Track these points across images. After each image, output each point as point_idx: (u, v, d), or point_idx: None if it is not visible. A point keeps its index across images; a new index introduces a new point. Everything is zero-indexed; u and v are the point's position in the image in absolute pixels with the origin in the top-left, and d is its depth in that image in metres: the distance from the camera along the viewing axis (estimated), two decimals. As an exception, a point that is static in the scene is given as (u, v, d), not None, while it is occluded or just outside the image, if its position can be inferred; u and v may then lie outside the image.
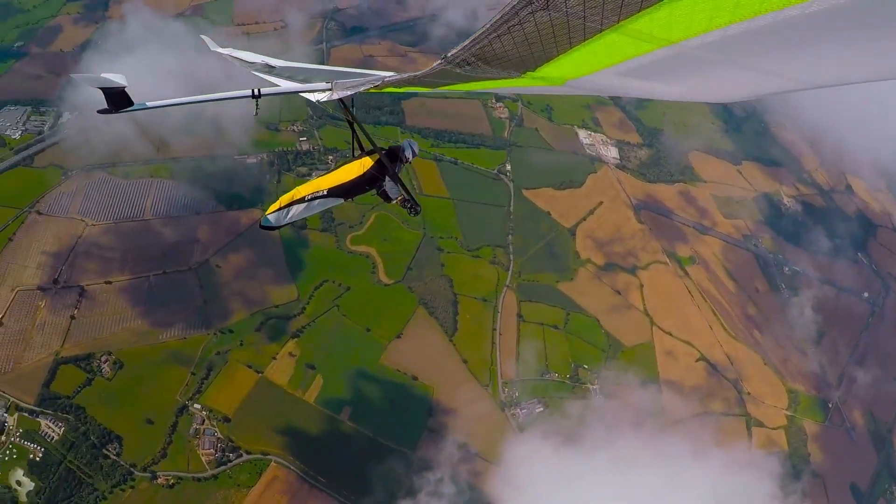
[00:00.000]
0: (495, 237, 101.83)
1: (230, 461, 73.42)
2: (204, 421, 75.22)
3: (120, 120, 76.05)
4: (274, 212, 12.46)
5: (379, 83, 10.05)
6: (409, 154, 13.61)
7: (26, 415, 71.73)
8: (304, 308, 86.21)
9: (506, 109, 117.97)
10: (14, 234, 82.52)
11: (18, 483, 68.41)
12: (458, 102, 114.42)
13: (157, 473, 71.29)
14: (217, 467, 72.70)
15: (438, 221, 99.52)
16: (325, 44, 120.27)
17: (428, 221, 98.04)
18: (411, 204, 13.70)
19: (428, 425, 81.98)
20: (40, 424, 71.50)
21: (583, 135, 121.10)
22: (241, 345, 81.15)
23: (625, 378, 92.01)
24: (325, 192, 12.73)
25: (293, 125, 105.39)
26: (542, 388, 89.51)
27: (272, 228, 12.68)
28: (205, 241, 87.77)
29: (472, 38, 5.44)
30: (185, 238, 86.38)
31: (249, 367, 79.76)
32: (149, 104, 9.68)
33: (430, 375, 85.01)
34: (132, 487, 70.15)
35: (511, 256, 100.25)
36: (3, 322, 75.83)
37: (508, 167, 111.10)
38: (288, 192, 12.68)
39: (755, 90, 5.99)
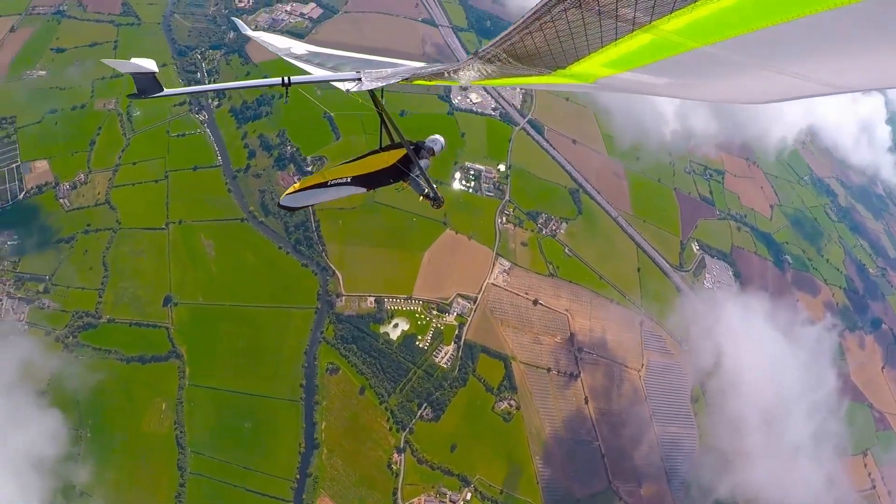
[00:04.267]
0: None
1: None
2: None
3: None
4: (294, 192, 12.28)
5: (409, 75, 9.62)
6: (436, 149, 13.88)
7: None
8: None
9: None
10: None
11: (395, 325, 78.54)
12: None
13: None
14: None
15: None
16: None
17: None
18: (434, 198, 13.45)
19: None
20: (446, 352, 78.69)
21: None
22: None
23: None
24: (349, 180, 12.55)
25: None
26: None
27: (291, 209, 12.74)
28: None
29: (503, 34, 5.32)
30: (642, 469, 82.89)
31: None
32: (171, 91, 9.33)
33: None
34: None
35: None
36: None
37: None
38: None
39: (789, 93, 4.70)
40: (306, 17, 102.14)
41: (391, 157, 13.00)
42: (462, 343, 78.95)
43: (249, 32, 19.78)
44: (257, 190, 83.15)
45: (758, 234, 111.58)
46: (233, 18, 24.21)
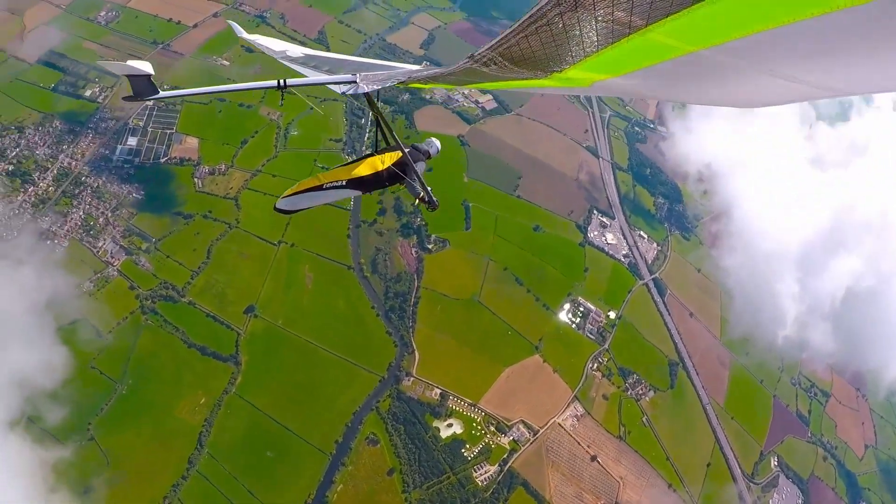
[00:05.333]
0: None
1: None
2: None
3: None
4: (289, 196, 12.23)
5: (405, 78, 9.71)
6: (432, 151, 13.99)
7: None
8: None
9: None
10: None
11: (449, 425, 77.07)
12: None
13: None
14: None
15: None
16: None
17: None
18: (429, 201, 13.40)
19: None
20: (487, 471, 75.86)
21: None
22: None
23: None
24: (344, 183, 12.57)
25: None
26: None
27: (286, 213, 12.61)
28: None
29: (499, 37, 5.31)
30: None
31: None
32: (166, 94, 9.62)
33: None
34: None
35: None
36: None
37: None
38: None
39: (785, 96, 4.66)
40: (480, 105, 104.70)
41: (387, 160, 12.95)
42: (506, 469, 76.24)
43: (245, 35, 19.62)
44: (374, 246, 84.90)
45: (842, 470, 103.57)
46: (229, 21, 23.56)
